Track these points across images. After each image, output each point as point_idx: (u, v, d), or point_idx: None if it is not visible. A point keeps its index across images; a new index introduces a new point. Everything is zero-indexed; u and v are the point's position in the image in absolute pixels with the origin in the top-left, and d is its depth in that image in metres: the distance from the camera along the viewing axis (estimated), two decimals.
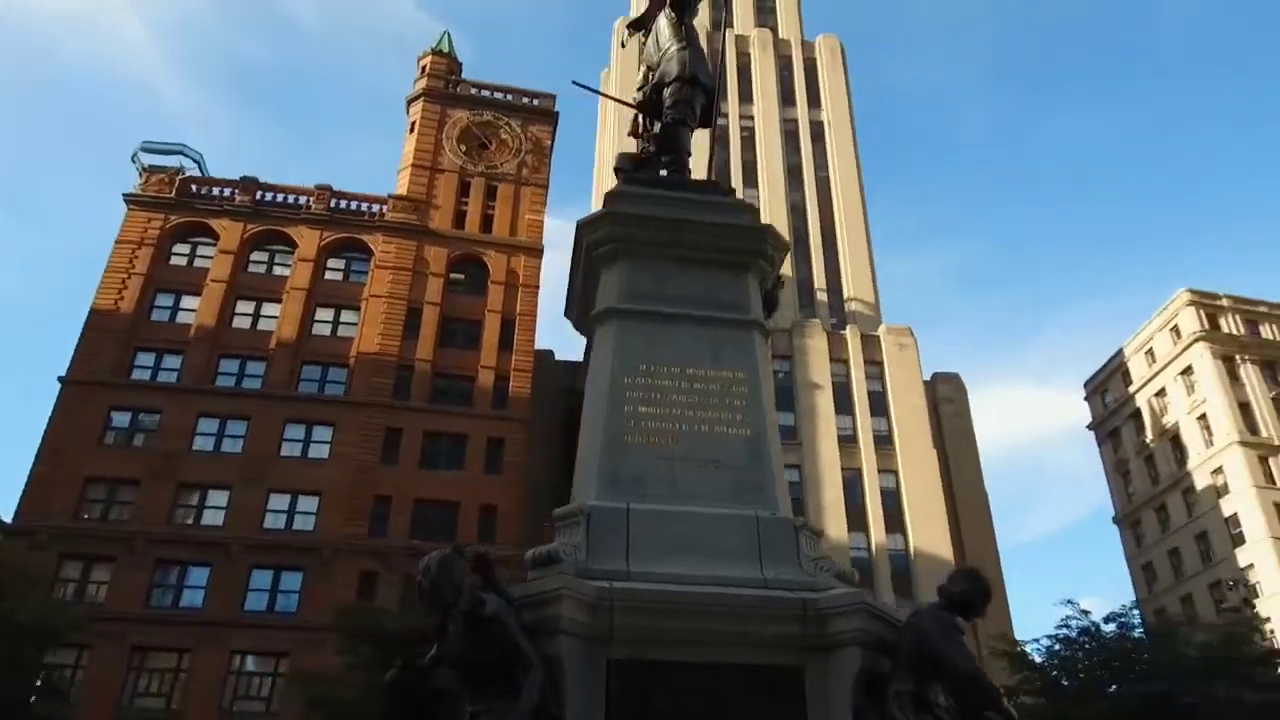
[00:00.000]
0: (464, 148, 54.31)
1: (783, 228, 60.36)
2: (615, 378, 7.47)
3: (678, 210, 8.33)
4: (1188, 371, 63.36)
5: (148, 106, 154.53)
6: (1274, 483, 57.04)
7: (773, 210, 61.07)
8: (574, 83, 10.58)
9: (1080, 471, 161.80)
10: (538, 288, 51.62)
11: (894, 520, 48.53)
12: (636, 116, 9.47)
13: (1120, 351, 70.72)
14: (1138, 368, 68.51)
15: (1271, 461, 57.94)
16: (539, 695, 5.10)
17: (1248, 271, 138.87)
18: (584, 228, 8.21)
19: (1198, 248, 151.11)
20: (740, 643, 5.93)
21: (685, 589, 6.08)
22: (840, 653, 5.90)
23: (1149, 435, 66.76)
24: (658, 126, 9.08)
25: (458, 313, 49.35)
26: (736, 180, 62.81)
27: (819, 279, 59.06)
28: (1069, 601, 30.95)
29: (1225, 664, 26.95)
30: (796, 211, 61.97)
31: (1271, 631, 44.26)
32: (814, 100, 66.50)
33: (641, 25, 9.82)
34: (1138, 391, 68.10)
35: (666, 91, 8.69)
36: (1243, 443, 58.10)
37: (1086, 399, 75.08)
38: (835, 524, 47.55)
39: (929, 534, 47.87)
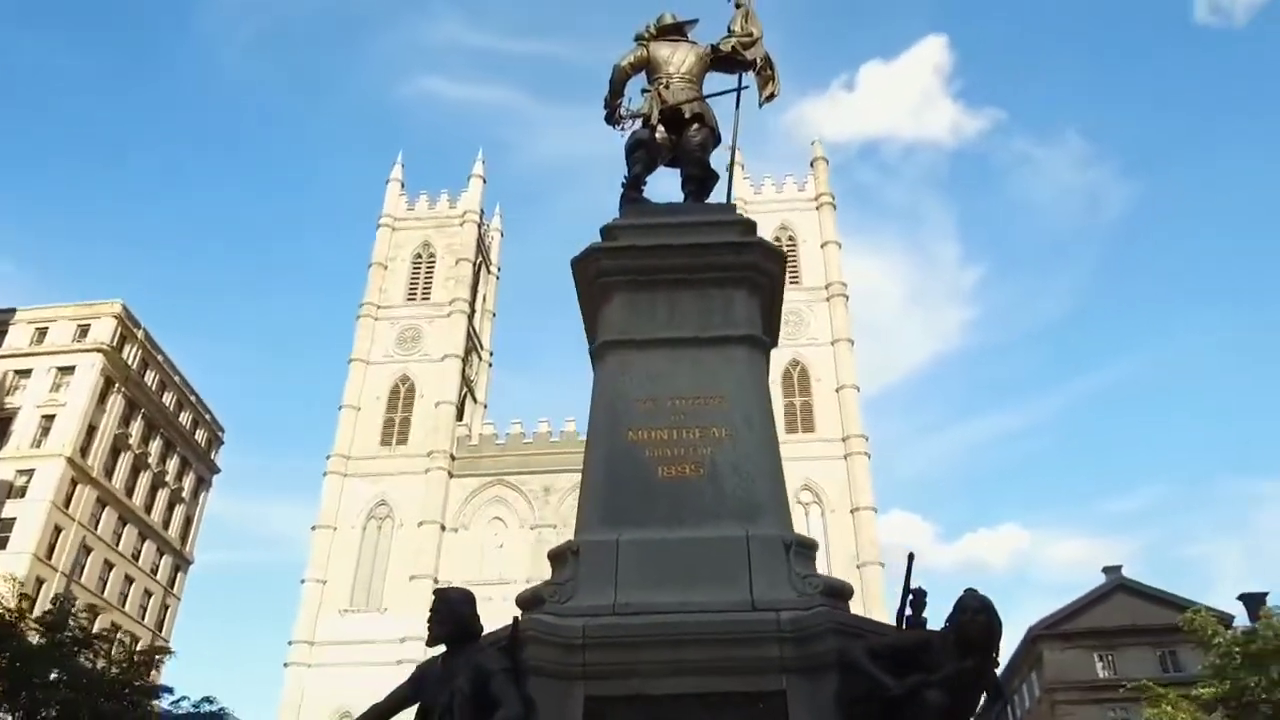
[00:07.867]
0: None
1: None
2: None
3: None
4: (68, 370, 59.35)
5: None
6: (67, 509, 55.55)
7: None
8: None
9: None
10: None
11: None
12: (651, 105, 9.33)
13: (12, 311, 62.28)
14: (19, 336, 61.09)
15: (79, 487, 56.74)
16: None
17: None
18: (771, 255, 8.75)
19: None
20: None
21: None
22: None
23: None
24: (663, 128, 9.35)
25: None
26: None
27: None
28: None
29: None
30: None
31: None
32: None
33: (682, 36, 9.70)
34: None
35: (699, 135, 9.22)
36: (70, 459, 55.89)
37: None
38: None
39: None
